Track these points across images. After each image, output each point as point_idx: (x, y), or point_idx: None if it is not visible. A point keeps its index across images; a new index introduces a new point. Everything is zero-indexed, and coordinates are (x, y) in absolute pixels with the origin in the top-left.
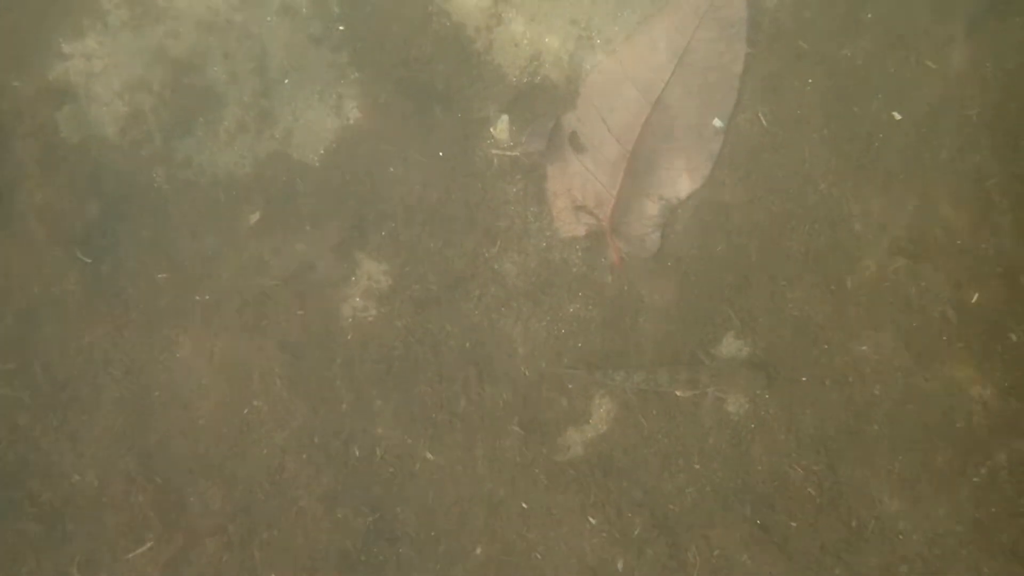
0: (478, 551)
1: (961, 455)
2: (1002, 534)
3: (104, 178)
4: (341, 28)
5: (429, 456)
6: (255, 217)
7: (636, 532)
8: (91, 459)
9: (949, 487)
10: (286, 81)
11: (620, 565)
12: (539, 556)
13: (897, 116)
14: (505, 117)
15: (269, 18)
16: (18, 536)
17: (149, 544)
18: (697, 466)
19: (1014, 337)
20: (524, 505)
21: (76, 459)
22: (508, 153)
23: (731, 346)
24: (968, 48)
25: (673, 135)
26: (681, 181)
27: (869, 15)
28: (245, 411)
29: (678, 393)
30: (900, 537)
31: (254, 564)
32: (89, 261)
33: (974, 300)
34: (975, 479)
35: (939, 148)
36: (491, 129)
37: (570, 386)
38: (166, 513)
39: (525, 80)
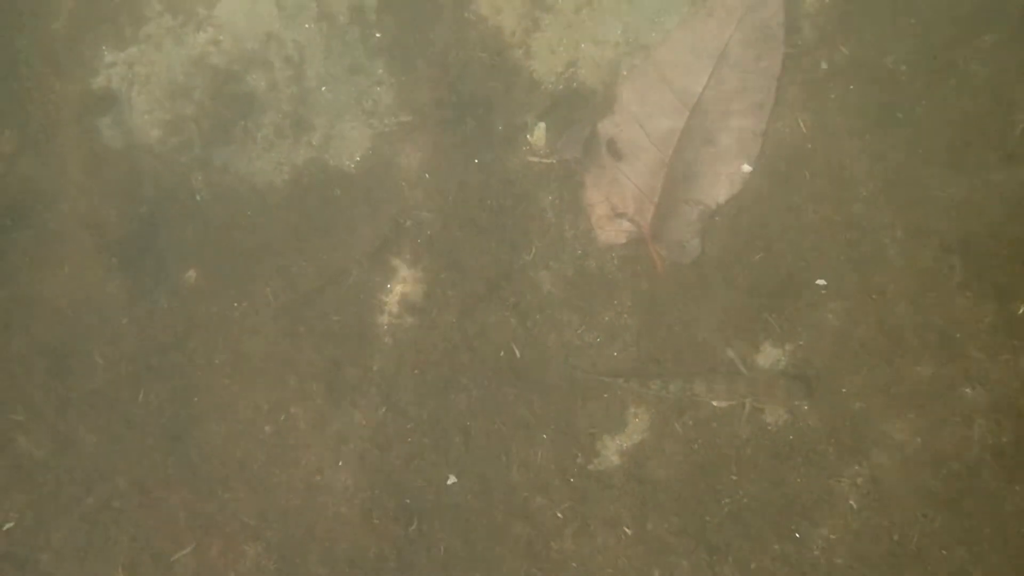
0: (514, 561)
1: (1007, 470)
2: None
3: (145, 184)
4: (378, 35)
5: (465, 463)
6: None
7: (672, 544)
8: (131, 464)
9: (994, 503)
10: (323, 88)
11: None
12: (575, 566)
13: (940, 122)
14: (542, 124)
15: (308, 26)
16: (66, 538)
17: (189, 548)
18: (734, 477)
19: None
20: (559, 515)
21: (118, 463)
22: (544, 160)
23: (770, 356)
24: (1015, 53)
25: (712, 140)
26: (721, 186)
27: (912, 20)
28: (282, 417)
29: (715, 403)
30: (943, 552)
31: (292, 570)
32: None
33: (1021, 312)
34: (1021, 497)
35: (986, 155)
36: (528, 136)
37: (605, 395)
38: (204, 519)
39: (562, 87)
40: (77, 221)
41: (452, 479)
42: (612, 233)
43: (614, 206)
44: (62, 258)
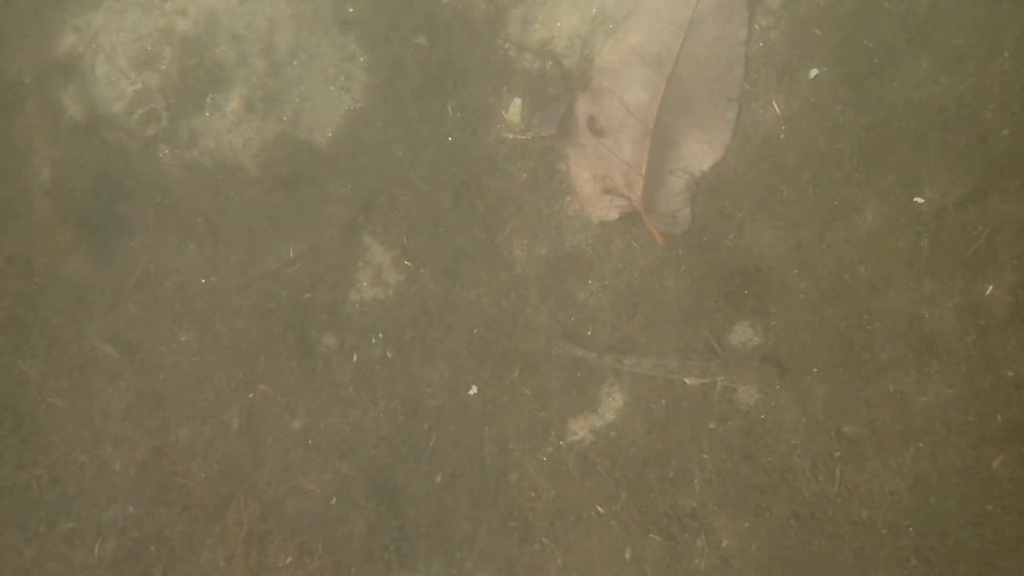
0: (487, 538)
1: (973, 449)
2: (1012, 529)
3: (110, 156)
4: (351, 9)
5: (436, 443)
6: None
7: (644, 522)
8: (97, 440)
9: (961, 480)
10: (295, 62)
11: (628, 554)
12: (547, 542)
13: (913, 103)
14: (517, 100)
15: None
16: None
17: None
18: (706, 455)
19: None
20: (532, 493)
21: (80, 435)
22: (520, 137)
23: (742, 335)
24: (987, 34)
25: (690, 108)
26: (703, 153)
27: (886, 3)
28: (250, 395)
29: (687, 380)
30: (910, 530)
31: (262, 548)
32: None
33: (988, 292)
34: (987, 473)
35: (958, 138)
36: (503, 112)
37: (579, 374)
38: (173, 497)
39: (537, 63)
40: (41, 192)
41: (424, 457)
42: (604, 210)
43: (603, 183)
44: (26, 230)
